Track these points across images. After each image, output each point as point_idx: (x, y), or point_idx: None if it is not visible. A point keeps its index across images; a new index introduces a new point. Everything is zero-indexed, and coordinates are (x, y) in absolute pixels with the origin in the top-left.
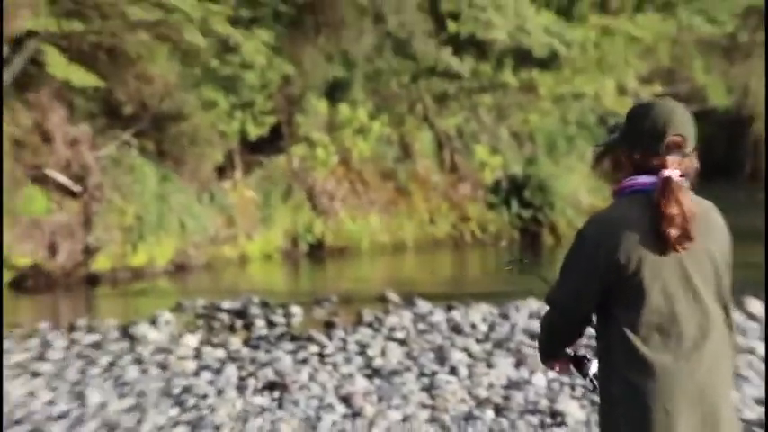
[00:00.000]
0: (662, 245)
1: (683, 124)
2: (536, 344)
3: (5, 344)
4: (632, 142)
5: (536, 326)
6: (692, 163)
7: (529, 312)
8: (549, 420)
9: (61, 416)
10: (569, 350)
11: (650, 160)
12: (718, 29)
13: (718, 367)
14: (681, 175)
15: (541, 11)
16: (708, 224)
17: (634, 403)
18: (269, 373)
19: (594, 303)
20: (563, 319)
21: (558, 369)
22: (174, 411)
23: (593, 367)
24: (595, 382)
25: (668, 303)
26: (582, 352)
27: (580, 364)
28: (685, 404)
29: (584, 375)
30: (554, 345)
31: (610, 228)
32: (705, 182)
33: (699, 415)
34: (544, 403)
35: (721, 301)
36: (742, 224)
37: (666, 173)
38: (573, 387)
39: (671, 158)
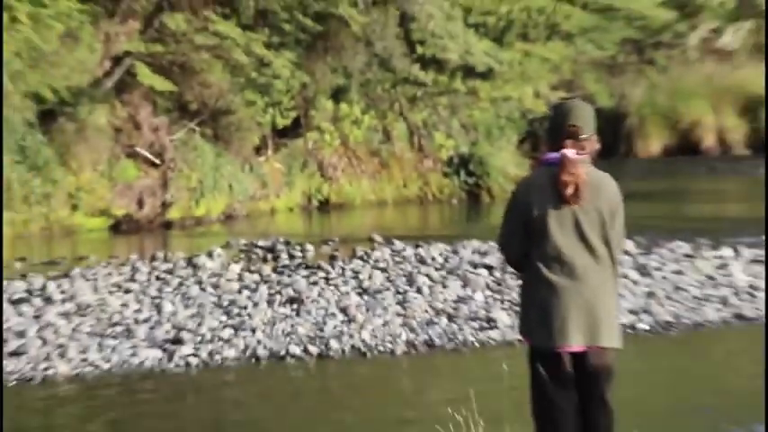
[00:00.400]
0: (560, 201)
1: (579, 117)
2: (477, 271)
3: (108, 269)
4: (547, 130)
5: (477, 259)
6: (592, 144)
7: (472, 249)
8: (485, 325)
9: (145, 320)
10: None
11: (557, 143)
12: (603, 53)
13: (602, 288)
14: (579, 153)
15: (481, 39)
16: (598, 188)
17: (542, 311)
18: (290, 291)
19: (525, 242)
20: (506, 254)
21: None
22: (223, 318)
23: None
24: None
25: (564, 242)
26: None
27: None
28: (575, 313)
29: None
30: (514, 267)
31: (527, 189)
32: (599, 158)
33: (584, 320)
34: (482, 313)
35: (606, 242)
36: (621, 187)
37: (564, 151)
38: (502, 301)
39: (569, 141)
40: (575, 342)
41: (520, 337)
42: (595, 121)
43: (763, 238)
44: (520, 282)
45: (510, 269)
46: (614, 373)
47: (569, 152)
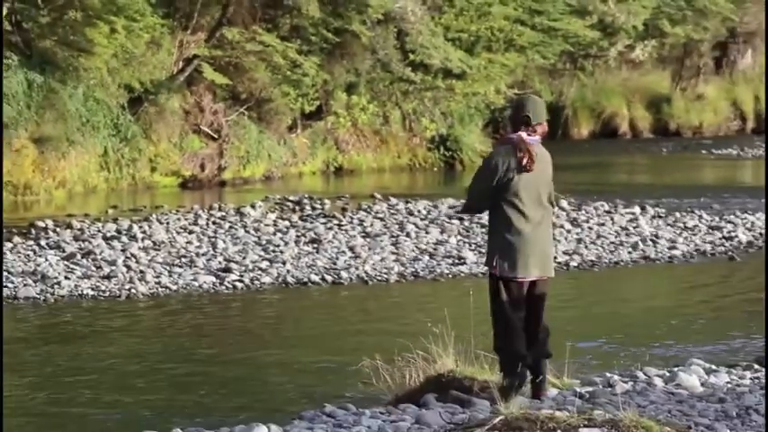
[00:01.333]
0: (521, 169)
1: (531, 109)
2: (452, 221)
3: (177, 215)
4: (509, 117)
5: (452, 212)
6: (543, 129)
7: (448, 205)
8: (457, 261)
9: (203, 254)
10: None
11: (516, 126)
12: (547, 61)
13: (548, 234)
14: (530, 135)
15: (457, 49)
16: (543, 160)
17: (508, 250)
18: (312, 234)
19: (489, 196)
20: (474, 202)
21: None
22: (262, 253)
23: None
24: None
25: (526, 198)
26: None
27: None
28: (534, 251)
29: None
30: (472, 212)
31: (502, 157)
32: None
33: (539, 256)
34: (455, 252)
35: (549, 200)
36: (559, 161)
37: (519, 133)
38: (470, 244)
39: (522, 126)
40: (533, 274)
41: (484, 270)
42: (545, 111)
43: (665, 199)
44: (488, 228)
45: (471, 215)
46: (546, 295)
47: (523, 134)
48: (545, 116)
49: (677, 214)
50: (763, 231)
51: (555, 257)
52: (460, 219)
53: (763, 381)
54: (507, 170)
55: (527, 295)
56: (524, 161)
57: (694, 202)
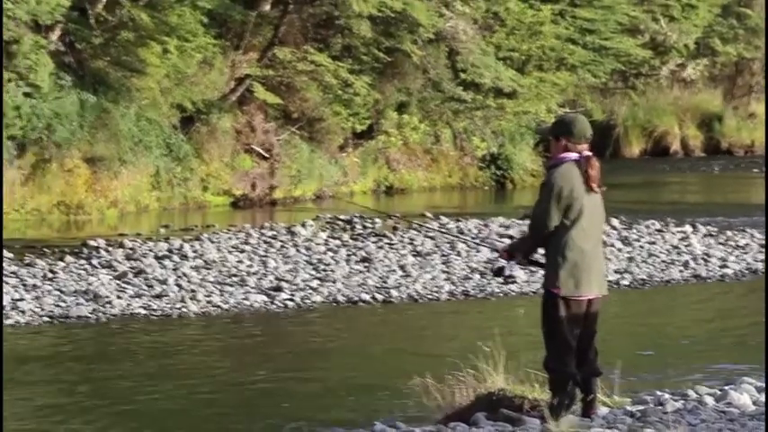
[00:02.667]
0: (588, 189)
1: (589, 127)
2: (502, 239)
3: (228, 234)
4: (566, 134)
5: (503, 231)
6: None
7: (498, 224)
8: (507, 280)
9: (254, 273)
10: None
11: (575, 145)
12: (598, 80)
13: (602, 252)
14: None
15: (508, 68)
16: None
17: (575, 268)
18: (362, 253)
19: (558, 219)
20: (545, 224)
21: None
22: (312, 272)
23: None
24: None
25: (591, 219)
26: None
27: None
28: (595, 270)
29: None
30: (531, 245)
31: (566, 178)
32: None
33: (599, 273)
34: (505, 272)
35: (605, 221)
36: (610, 179)
37: (586, 153)
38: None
39: (585, 145)
40: (594, 292)
41: (535, 289)
42: None
43: (717, 218)
44: (549, 247)
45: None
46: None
47: (588, 153)
48: None
49: (728, 233)
50: None
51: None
52: (510, 237)
53: None
54: (578, 191)
55: (584, 313)
56: (593, 183)
57: (746, 220)
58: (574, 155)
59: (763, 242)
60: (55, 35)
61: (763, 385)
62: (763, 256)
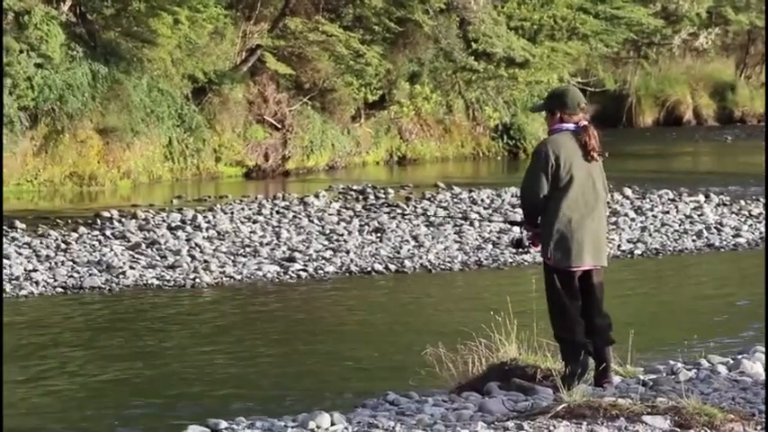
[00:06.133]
0: (584, 157)
1: (582, 97)
2: (515, 210)
3: (241, 205)
4: (560, 105)
5: (515, 201)
6: (588, 117)
7: (511, 194)
8: (520, 250)
9: (267, 243)
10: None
11: (570, 116)
12: (610, 49)
13: (601, 220)
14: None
15: (519, 38)
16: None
17: (564, 239)
18: (375, 224)
19: (546, 190)
20: (533, 194)
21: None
22: (326, 242)
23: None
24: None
25: (581, 186)
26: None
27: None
28: (588, 237)
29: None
30: (532, 215)
31: (552, 147)
32: (604, 128)
33: (593, 243)
34: (525, 242)
35: (604, 188)
36: (623, 149)
37: (583, 122)
38: (528, 238)
39: (582, 115)
40: (587, 263)
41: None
42: None
43: (730, 187)
44: (543, 217)
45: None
46: (603, 284)
47: (586, 122)
48: None
49: (742, 202)
50: None
51: (618, 246)
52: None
53: None
54: (569, 159)
55: (583, 284)
56: (592, 151)
57: (759, 189)
58: (570, 125)
59: None
60: (66, 6)
61: None
62: None
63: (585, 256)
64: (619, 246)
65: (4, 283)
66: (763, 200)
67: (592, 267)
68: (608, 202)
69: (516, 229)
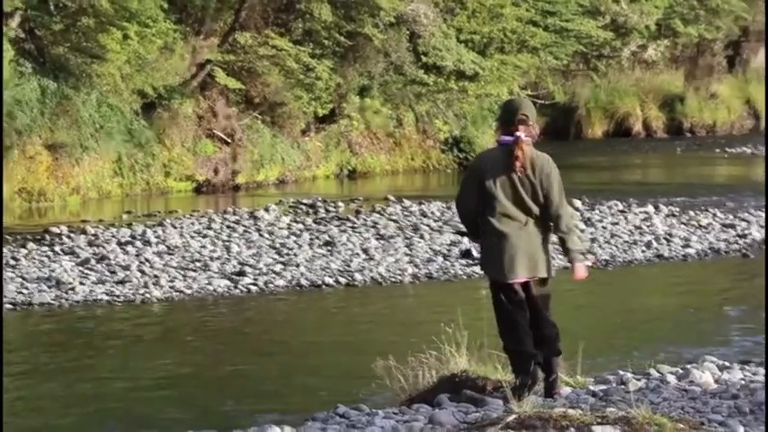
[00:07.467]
0: (508, 171)
1: (526, 109)
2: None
3: (191, 220)
4: (502, 118)
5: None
6: (535, 131)
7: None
8: (470, 262)
9: (217, 258)
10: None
11: (510, 128)
12: (559, 62)
13: (536, 236)
14: (526, 137)
15: (469, 51)
16: (533, 162)
17: (495, 253)
18: (325, 237)
19: (476, 202)
20: (461, 209)
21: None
22: (276, 256)
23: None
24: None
25: (508, 203)
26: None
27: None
28: (519, 253)
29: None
30: (466, 226)
31: (482, 161)
32: (553, 140)
33: (526, 256)
34: (474, 252)
35: (537, 203)
36: (572, 161)
37: (517, 134)
38: (476, 248)
39: (520, 127)
40: (521, 275)
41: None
42: (535, 114)
43: (679, 198)
44: (475, 233)
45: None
46: (550, 294)
47: (521, 135)
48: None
49: (691, 212)
50: None
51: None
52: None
53: None
54: (494, 174)
55: (526, 296)
56: (517, 164)
57: (708, 200)
58: (509, 138)
59: (726, 222)
60: (15, 22)
61: (726, 363)
62: (725, 236)
63: (519, 269)
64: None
65: None
66: (714, 209)
67: (528, 279)
68: (555, 214)
69: (466, 239)
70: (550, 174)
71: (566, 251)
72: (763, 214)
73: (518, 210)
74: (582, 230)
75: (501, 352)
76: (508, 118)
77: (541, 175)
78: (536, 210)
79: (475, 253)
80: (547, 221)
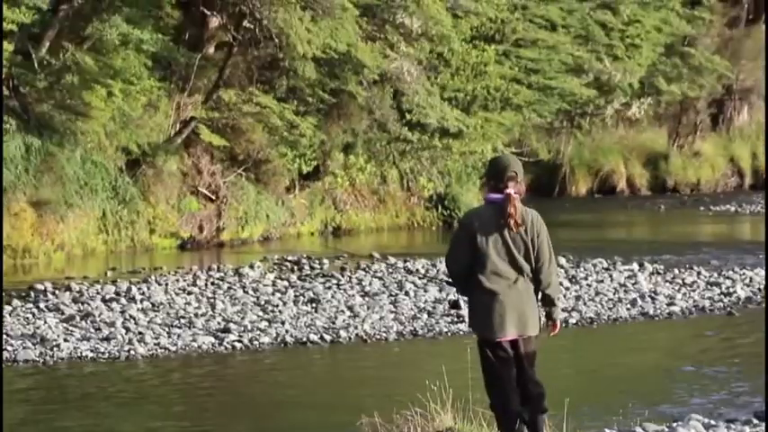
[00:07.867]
0: (500, 228)
1: (515, 166)
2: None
3: (176, 277)
4: (490, 176)
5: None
6: (522, 188)
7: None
8: (456, 319)
9: (202, 314)
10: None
11: (499, 185)
12: (543, 120)
13: (526, 293)
14: (516, 194)
15: (453, 108)
16: (525, 219)
17: (485, 311)
18: (310, 294)
19: (469, 259)
20: (453, 267)
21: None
22: (261, 313)
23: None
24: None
25: (499, 261)
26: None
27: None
28: (509, 311)
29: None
30: (456, 284)
31: (472, 219)
32: (538, 197)
33: (516, 314)
34: (453, 311)
35: (529, 260)
36: (557, 218)
37: (507, 191)
38: (465, 301)
39: (510, 184)
40: (510, 333)
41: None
42: (522, 171)
43: (664, 256)
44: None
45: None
46: (536, 351)
47: (512, 192)
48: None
49: (676, 270)
50: (763, 287)
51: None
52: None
53: None
54: (485, 232)
55: (514, 353)
56: (510, 221)
57: (693, 258)
58: (498, 195)
59: (711, 280)
60: None
61: (711, 422)
62: (709, 294)
63: (508, 327)
64: (534, 315)
65: None
66: (699, 267)
67: (517, 337)
68: (545, 277)
69: (454, 290)
70: (541, 231)
71: (548, 314)
72: (749, 273)
73: (509, 267)
74: (567, 288)
75: (487, 409)
76: (497, 175)
77: (533, 232)
78: (527, 268)
79: (463, 304)
80: (536, 278)
